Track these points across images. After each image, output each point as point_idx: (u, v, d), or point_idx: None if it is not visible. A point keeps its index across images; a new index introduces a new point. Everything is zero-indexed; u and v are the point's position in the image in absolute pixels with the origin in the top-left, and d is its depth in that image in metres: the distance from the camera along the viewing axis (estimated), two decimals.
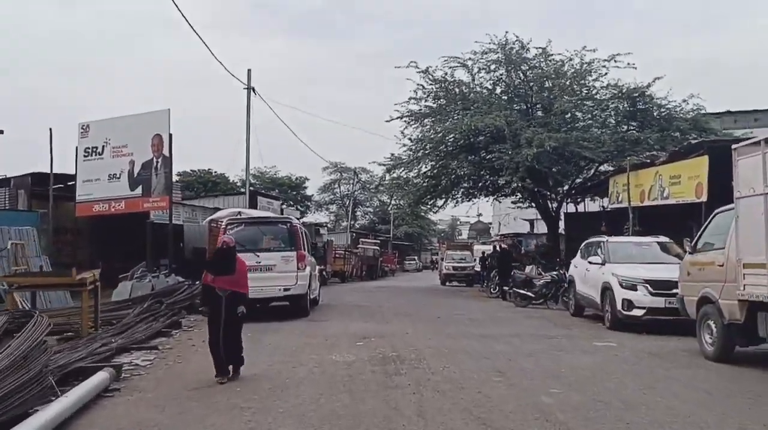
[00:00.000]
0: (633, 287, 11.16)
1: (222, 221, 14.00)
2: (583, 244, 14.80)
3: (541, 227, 50.01)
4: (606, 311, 11.80)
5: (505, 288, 19.09)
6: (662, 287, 10.89)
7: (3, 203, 19.01)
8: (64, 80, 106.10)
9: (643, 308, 10.96)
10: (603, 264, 12.36)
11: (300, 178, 67.15)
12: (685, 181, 14.76)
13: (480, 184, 28.13)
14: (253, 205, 24.81)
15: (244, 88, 25.45)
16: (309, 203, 70.02)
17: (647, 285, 11.02)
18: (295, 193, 65.44)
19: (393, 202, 73.80)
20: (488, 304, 18.15)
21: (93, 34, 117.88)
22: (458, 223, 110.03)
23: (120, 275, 16.03)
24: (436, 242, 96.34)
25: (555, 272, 16.70)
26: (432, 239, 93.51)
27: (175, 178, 53.95)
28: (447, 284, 33.93)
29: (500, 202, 32.76)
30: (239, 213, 13.51)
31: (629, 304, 11.13)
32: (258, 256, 12.63)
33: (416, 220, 73.61)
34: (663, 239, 13.43)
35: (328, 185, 72.22)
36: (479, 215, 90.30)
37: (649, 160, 18.07)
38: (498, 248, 34.57)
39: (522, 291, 16.78)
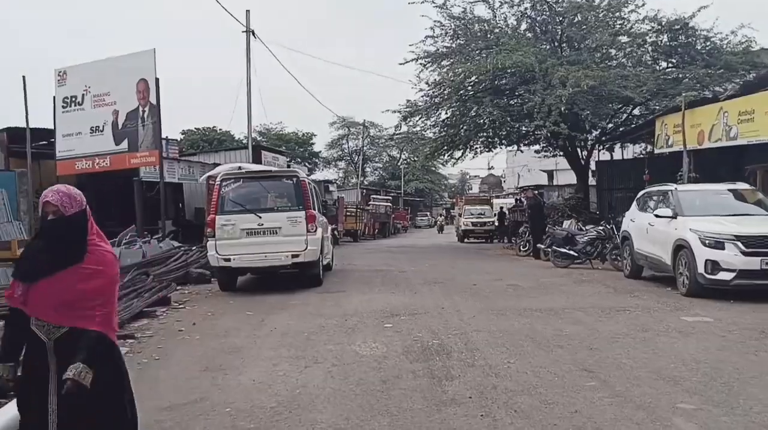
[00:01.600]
0: (719, 245, 9.06)
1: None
2: (640, 193, 12.65)
3: (562, 178, 47.78)
4: (681, 274, 9.75)
5: (540, 246, 17.08)
6: (757, 245, 8.85)
7: None
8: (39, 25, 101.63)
9: (733, 270, 8.89)
10: (674, 217, 10.24)
11: (307, 134, 64.98)
12: (760, 116, 12.46)
13: (503, 132, 25.80)
14: (257, 160, 22.72)
15: (243, 32, 23.07)
16: (317, 160, 67.92)
17: (738, 242, 8.93)
18: (302, 149, 63.28)
19: (404, 156, 72.28)
20: (522, 264, 16.14)
21: None
22: (468, 177, 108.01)
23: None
24: (447, 197, 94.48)
25: (601, 227, 14.60)
26: (443, 194, 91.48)
27: (179, 136, 52.62)
28: (465, 240, 32.05)
29: (522, 151, 30.34)
30: (239, 168, 11.42)
31: (714, 266, 9.05)
32: (260, 217, 10.63)
33: (427, 174, 71.62)
34: (741, 185, 11.28)
35: (335, 141, 69.99)
36: (491, 167, 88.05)
37: (710, 96, 15.71)
38: (520, 200, 32.57)
39: (563, 249, 14.74)
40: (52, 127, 16.38)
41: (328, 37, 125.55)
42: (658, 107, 21.71)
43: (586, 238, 14.63)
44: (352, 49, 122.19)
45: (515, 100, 22.30)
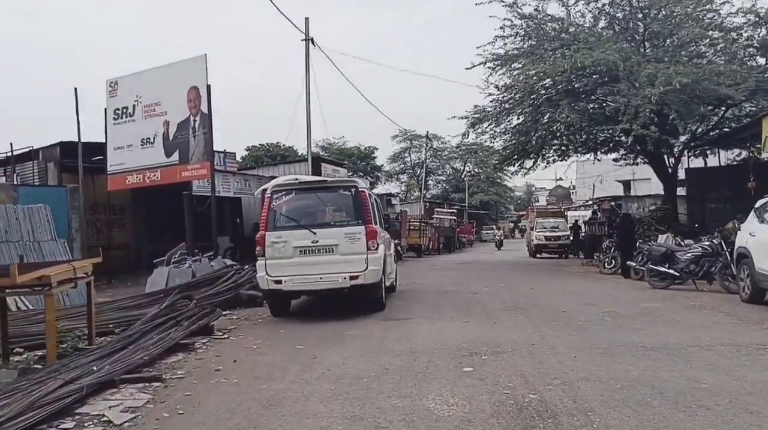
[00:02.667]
0: None
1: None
2: (760, 203, 10.67)
3: (639, 189, 44.80)
4: None
5: (630, 263, 15.14)
6: None
7: (32, 179, 16.65)
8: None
9: None
10: None
11: (369, 148, 64.37)
12: None
13: (580, 139, 23.88)
14: (316, 172, 21.71)
15: (302, 40, 22.20)
16: (379, 174, 67.12)
17: None
18: (364, 163, 62.68)
19: (468, 168, 70.47)
20: (611, 284, 14.25)
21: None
22: (534, 189, 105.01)
23: (155, 259, 13.24)
24: (513, 210, 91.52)
25: (706, 243, 12.59)
26: (509, 207, 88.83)
27: (243, 152, 52.78)
28: (538, 256, 30.05)
29: (599, 160, 28.15)
30: (295, 180, 10.20)
31: None
32: (314, 233, 9.36)
33: (492, 186, 69.64)
34: None
35: (398, 154, 68.98)
36: (559, 179, 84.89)
37: None
38: (596, 212, 30.28)
39: (662, 268, 12.80)
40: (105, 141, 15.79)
41: (386, 47, 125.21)
42: (754, 108, 19.41)
43: (688, 255, 12.66)
44: (411, 57, 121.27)
45: (594, 103, 20.43)
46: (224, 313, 10.09)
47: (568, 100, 19.09)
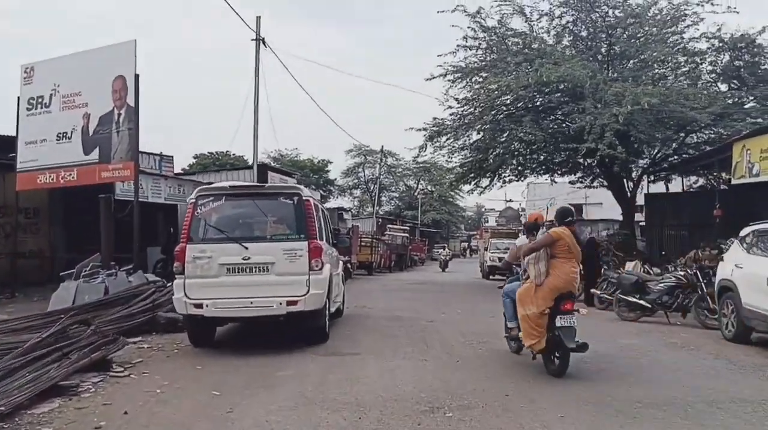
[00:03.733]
0: None
1: None
2: (746, 231, 9.71)
3: (592, 213, 44.63)
4: None
5: (595, 291, 14.12)
6: None
7: None
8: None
9: None
10: None
11: (323, 161, 62.79)
12: None
13: (538, 159, 23.08)
14: (262, 180, 20.09)
15: (253, 40, 20.70)
16: (332, 188, 65.60)
17: None
18: (317, 176, 61.00)
19: (421, 186, 69.72)
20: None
21: None
22: (484, 209, 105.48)
23: (63, 271, 11.40)
24: (464, 229, 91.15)
25: (681, 273, 11.59)
26: (460, 226, 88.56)
27: (191, 160, 50.29)
28: (491, 277, 29.00)
29: (555, 182, 27.40)
30: (230, 187, 8.65)
31: None
32: (246, 248, 7.83)
33: (444, 205, 69.16)
34: None
35: (352, 169, 67.65)
36: (509, 200, 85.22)
37: None
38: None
39: (633, 298, 11.76)
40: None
41: (344, 62, 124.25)
42: (714, 135, 18.97)
43: (661, 285, 11.63)
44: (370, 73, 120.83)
45: (557, 122, 19.58)
46: (135, 340, 8.43)
47: (531, 117, 18.11)
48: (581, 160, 21.20)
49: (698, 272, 11.32)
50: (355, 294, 16.07)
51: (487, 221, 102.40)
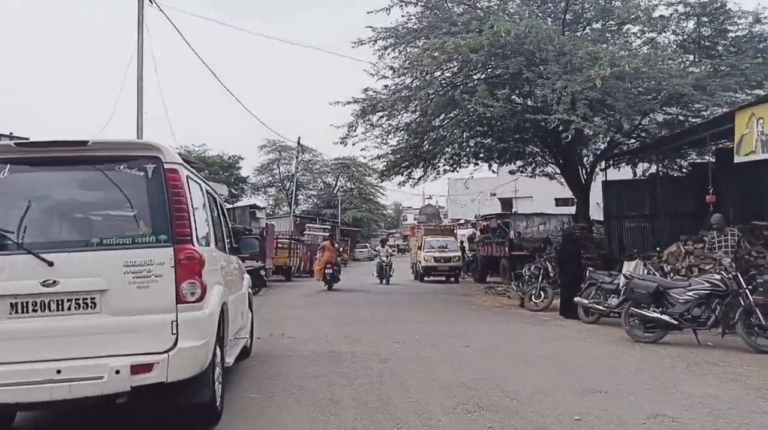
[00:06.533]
0: None
1: None
2: None
3: (522, 207, 42.46)
4: None
5: (579, 300, 11.03)
6: None
7: None
8: None
9: None
10: None
11: (234, 157, 57.69)
12: None
13: (483, 143, 20.12)
14: None
15: None
16: (244, 186, 60.64)
17: None
18: (227, 174, 55.90)
19: (339, 183, 66.08)
20: (572, 334, 9.89)
21: None
22: (402, 207, 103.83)
23: None
24: (383, 227, 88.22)
25: (717, 277, 8.55)
26: (380, 224, 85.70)
27: None
28: (426, 279, 25.84)
29: (495, 172, 24.55)
30: (17, 145, 4.62)
31: None
32: (50, 264, 3.94)
33: (365, 203, 66.02)
34: None
35: (265, 166, 63.17)
36: (428, 197, 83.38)
37: None
38: (483, 230, 26.66)
39: (654, 313, 8.65)
40: None
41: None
42: (695, 109, 16.56)
43: (689, 294, 8.57)
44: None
45: (516, 92, 16.45)
46: None
47: (484, 87, 14.76)
48: (537, 142, 18.34)
49: (738, 276, 8.36)
50: (271, 312, 12.28)
51: (406, 220, 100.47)
